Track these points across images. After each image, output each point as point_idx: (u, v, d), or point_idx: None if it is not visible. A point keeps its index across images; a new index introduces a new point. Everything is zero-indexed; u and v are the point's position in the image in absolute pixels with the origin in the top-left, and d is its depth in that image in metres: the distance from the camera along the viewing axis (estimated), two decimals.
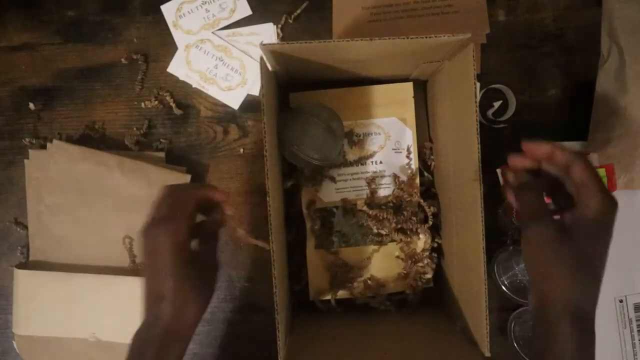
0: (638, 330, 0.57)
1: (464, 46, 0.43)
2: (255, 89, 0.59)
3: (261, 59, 0.42)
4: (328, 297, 0.55)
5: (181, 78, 0.59)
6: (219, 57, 0.59)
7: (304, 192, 0.56)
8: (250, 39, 0.59)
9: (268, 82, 0.43)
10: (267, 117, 0.42)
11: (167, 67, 0.59)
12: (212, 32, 0.59)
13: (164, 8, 0.59)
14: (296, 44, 0.41)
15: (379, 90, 0.56)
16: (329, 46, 0.42)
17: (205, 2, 0.59)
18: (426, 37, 0.40)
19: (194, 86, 0.59)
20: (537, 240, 0.38)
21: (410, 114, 0.56)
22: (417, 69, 0.53)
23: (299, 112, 0.51)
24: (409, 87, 0.56)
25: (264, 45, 0.41)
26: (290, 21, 0.59)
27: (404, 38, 0.40)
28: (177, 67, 0.59)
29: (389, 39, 0.40)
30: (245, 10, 0.59)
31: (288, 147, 0.50)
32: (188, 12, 0.59)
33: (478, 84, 0.59)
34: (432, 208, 0.55)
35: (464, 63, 0.43)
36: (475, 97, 0.41)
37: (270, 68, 0.46)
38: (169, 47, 0.59)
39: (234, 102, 0.59)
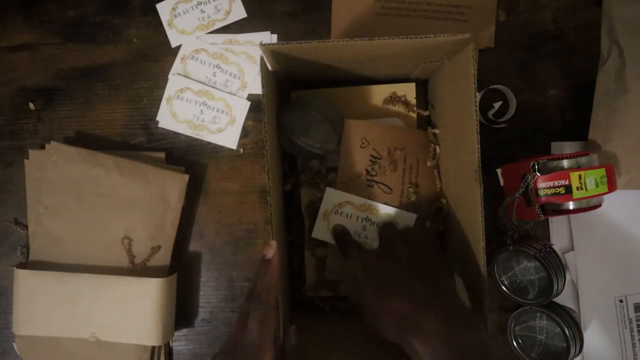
0: (638, 330, 0.57)
1: (464, 46, 0.43)
2: (238, 129, 0.59)
3: (261, 59, 0.42)
4: (324, 294, 0.55)
5: (171, 129, 0.59)
6: (202, 102, 0.59)
7: (303, 192, 0.56)
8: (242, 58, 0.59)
9: (268, 82, 0.43)
10: (267, 117, 0.42)
11: (166, 67, 0.59)
12: (206, 38, 0.59)
13: (159, 7, 0.59)
14: (296, 44, 0.41)
15: (380, 90, 0.56)
16: (329, 46, 0.42)
17: (201, 3, 0.59)
18: (426, 37, 0.40)
19: (186, 135, 0.59)
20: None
21: (412, 114, 0.56)
22: (417, 69, 0.53)
23: (300, 103, 0.51)
24: (411, 87, 0.56)
25: (264, 45, 0.41)
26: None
27: (403, 38, 0.40)
28: (164, 120, 0.59)
29: (389, 39, 0.40)
30: (240, 13, 0.59)
31: (287, 136, 0.50)
32: (183, 11, 0.59)
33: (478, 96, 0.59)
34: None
35: (464, 63, 0.43)
36: (475, 97, 0.41)
37: (270, 68, 0.46)
38: (169, 47, 0.59)
39: (230, 142, 0.59)
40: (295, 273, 0.57)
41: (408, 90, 0.56)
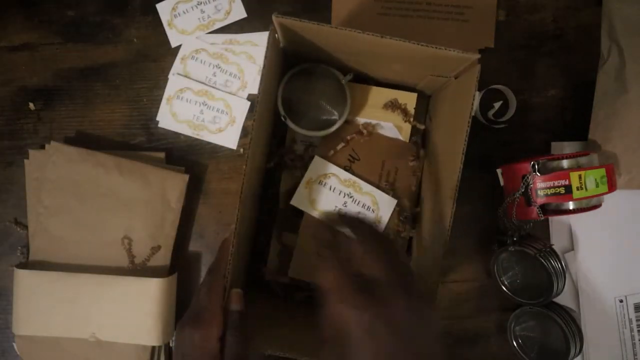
0: (638, 330, 0.57)
1: (472, 66, 0.42)
2: (238, 129, 0.59)
3: (271, 30, 0.42)
4: (283, 280, 0.54)
5: (171, 129, 0.59)
6: (202, 102, 0.59)
7: (285, 176, 0.55)
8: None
9: (274, 48, 0.43)
10: (264, 83, 0.41)
11: (166, 68, 0.59)
12: (206, 38, 0.59)
13: (159, 7, 0.59)
14: (308, 22, 0.40)
15: (382, 92, 0.55)
16: (340, 33, 0.41)
17: (201, 3, 0.59)
18: (436, 48, 0.40)
19: (186, 135, 0.59)
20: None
21: (407, 124, 0.55)
22: (423, 80, 0.52)
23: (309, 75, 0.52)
24: (412, 97, 0.55)
25: (277, 16, 0.40)
26: None
27: (414, 43, 0.40)
28: (164, 120, 0.59)
29: (399, 40, 0.40)
30: (240, 13, 0.59)
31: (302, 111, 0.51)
32: (183, 11, 0.59)
33: (477, 98, 0.58)
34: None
35: (467, 84, 0.43)
36: (469, 121, 0.41)
37: (278, 38, 0.46)
38: (169, 47, 0.59)
39: (230, 142, 0.59)
40: (259, 253, 0.56)
41: (409, 99, 0.55)
